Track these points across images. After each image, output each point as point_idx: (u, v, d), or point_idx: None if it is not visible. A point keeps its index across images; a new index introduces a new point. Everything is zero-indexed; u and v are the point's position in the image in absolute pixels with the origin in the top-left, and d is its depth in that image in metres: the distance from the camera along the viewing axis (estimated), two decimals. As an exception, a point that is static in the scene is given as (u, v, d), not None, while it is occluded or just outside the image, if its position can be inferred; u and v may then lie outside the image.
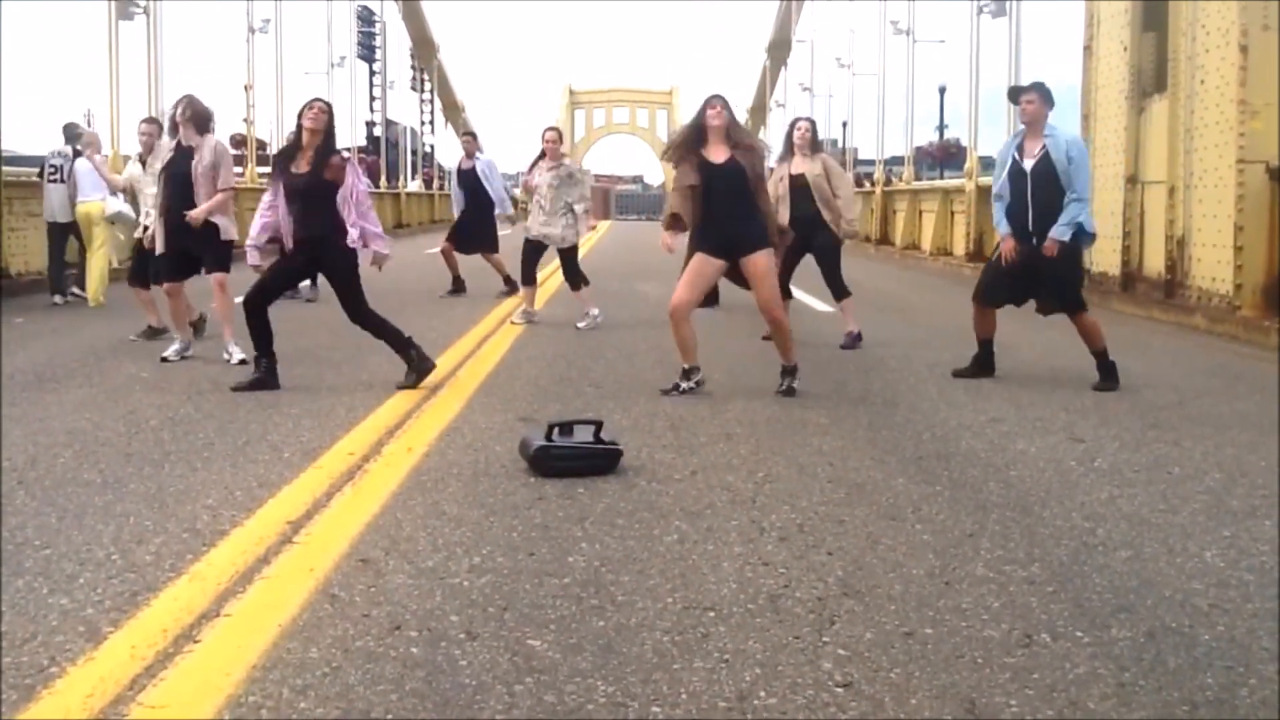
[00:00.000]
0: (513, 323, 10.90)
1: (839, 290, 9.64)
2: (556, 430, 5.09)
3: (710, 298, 9.59)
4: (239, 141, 28.73)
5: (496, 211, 14.09)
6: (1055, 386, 7.57)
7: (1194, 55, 12.16)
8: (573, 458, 5.02)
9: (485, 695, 2.83)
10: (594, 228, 14.55)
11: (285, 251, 7.24)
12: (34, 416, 6.21)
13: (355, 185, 7.17)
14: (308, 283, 10.99)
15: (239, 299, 7.51)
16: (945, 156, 51.33)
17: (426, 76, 51.25)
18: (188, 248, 8.37)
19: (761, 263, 6.97)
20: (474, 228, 13.98)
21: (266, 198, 7.37)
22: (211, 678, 2.91)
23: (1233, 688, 2.94)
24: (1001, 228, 7.70)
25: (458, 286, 14.05)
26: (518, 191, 19.15)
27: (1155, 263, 13.08)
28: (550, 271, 12.82)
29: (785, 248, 8.25)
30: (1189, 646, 3.19)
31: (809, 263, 9.53)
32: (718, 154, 6.92)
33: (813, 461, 5.38)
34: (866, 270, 19.23)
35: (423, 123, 56.12)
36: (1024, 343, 9.14)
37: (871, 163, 31.67)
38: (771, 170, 9.20)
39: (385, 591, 3.55)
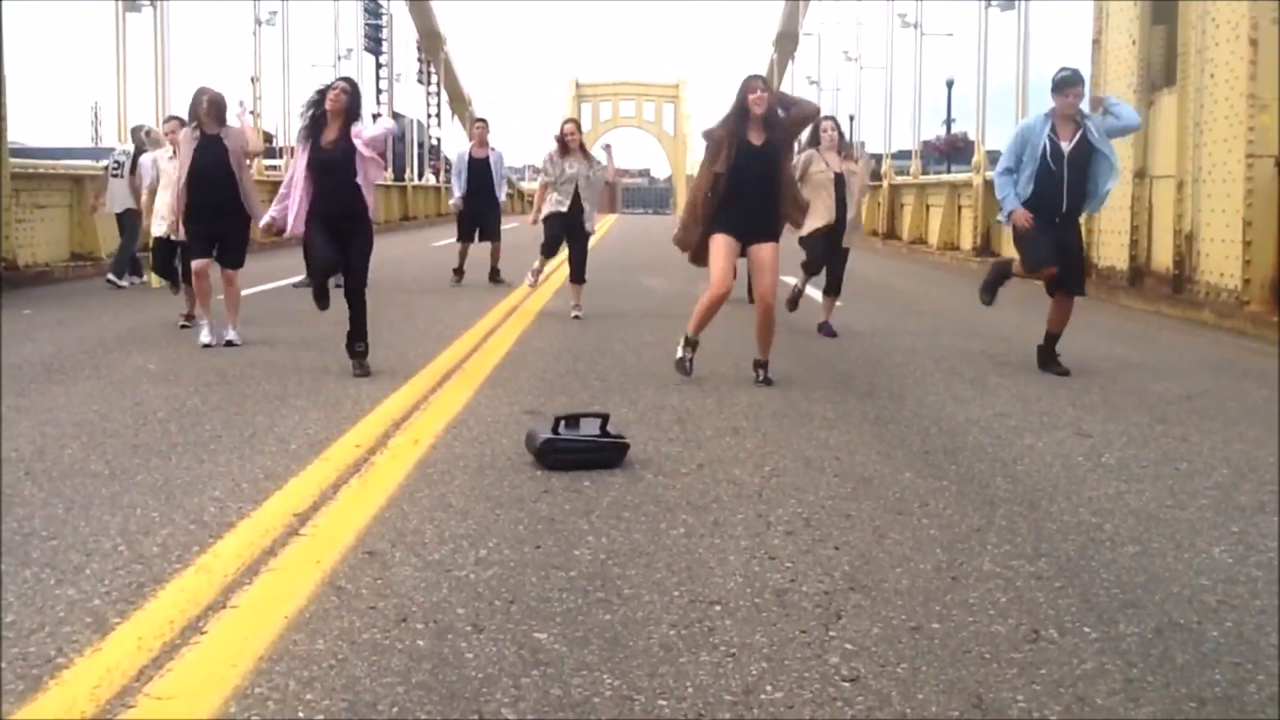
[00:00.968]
0: (529, 286, 11.95)
1: (837, 288, 9.96)
2: (563, 423, 5.09)
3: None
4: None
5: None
6: (1062, 381, 7.56)
7: (1203, 49, 12.12)
8: (579, 451, 5.02)
9: (491, 688, 2.83)
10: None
11: (309, 231, 7.34)
12: (41, 407, 6.22)
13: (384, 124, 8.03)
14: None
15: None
16: (952, 150, 51.18)
17: (434, 69, 51.19)
18: (216, 230, 8.71)
19: (770, 253, 7.14)
20: (486, 218, 14.39)
21: (288, 178, 7.62)
22: (218, 669, 2.91)
23: (1241, 684, 2.93)
24: (1009, 202, 7.74)
25: (460, 276, 14.35)
26: (524, 184, 19.38)
27: (1163, 257, 13.06)
28: (556, 265, 12.81)
29: (820, 239, 9.30)
30: (1197, 642, 3.18)
31: (796, 254, 9.53)
32: (756, 136, 7.04)
33: (819, 455, 5.38)
34: (874, 265, 19.22)
35: (430, 115, 56.07)
36: (1030, 338, 9.11)
37: (879, 156, 31.59)
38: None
39: (391, 584, 3.55)
